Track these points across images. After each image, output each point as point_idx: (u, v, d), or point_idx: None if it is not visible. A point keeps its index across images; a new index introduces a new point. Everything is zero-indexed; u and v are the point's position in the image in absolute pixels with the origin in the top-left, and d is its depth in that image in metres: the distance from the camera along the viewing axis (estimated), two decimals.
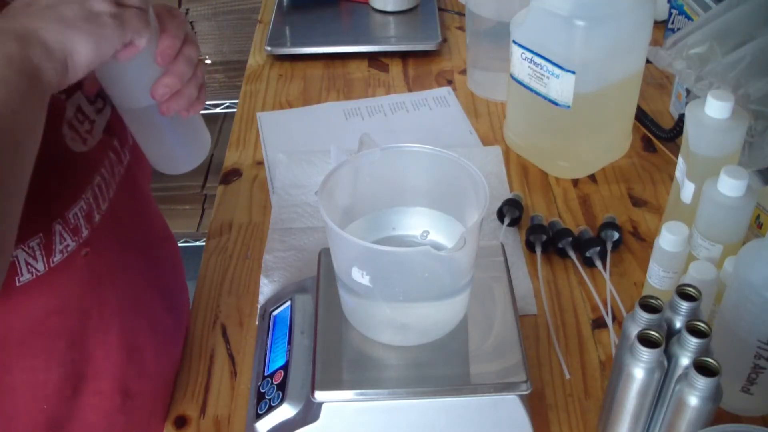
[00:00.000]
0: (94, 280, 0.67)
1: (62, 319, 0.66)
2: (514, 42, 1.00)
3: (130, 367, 0.73)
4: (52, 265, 0.61)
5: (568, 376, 0.79)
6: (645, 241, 0.94)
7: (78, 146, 0.65)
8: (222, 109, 2.09)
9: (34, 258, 0.60)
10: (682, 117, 1.01)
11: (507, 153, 1.09)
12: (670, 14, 1.19)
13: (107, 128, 0.70)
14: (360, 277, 0.64)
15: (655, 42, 1.10)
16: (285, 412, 0.69)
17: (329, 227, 0.62)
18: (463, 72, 1.27)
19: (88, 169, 0.66)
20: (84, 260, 0.65)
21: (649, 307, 0.63)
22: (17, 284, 0.59)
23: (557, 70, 0.95)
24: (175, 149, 0.71)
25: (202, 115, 0.70)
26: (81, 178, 0.65)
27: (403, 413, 0.67)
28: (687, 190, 0.84)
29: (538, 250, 0.92)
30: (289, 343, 0.74)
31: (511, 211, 0.96)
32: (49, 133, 0.55)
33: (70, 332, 0.67)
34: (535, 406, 0.75)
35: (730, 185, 0.73)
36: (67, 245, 0.62)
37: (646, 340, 0.61)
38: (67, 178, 0.64)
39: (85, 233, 0.64)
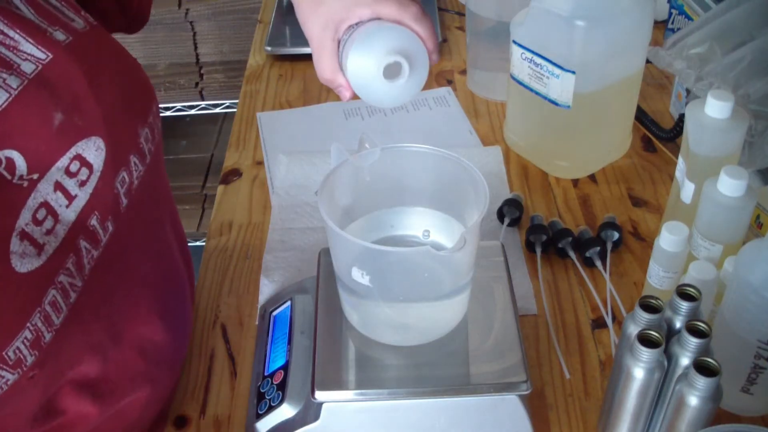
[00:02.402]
0: (54, 374, 0.59)
1: (15, 412, 0.58)
2: (514, 42, 1.00)
3: (103, 411, 0.67)
4: None
5: (568, 376, 0.79)
6: (645, 241, 0.94)
7: (28, 263, 0.53)
8: (222, 109, 2.09)
9: None
10: (682, 117, 1.01)
11: (507, 153, 1.09)
12: (670, 14, 1.19)
13: (88, 203, 0.59)
14: (360, 277, 0.64)
15: (655, 42, 1.10)
16: (285, 412, 0.69)
17: (329, 227, 0.62)
18: (463, 72, 1.27)
19: (37, 289, 0.54)
20: (32, 377, 0.56)
21: (649, 307, 0.63)
22: None
23: (557, 70, 0.95)
24: None
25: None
26: (26, 305, 0.53)
27: (403, 413, 0.67)
28: (687, 190, 0.84)
29: (538, 250, 0.92)
30: (289, 343, 0.74)
31: (511, 211, 0.96)
32: None
33: (34, 406, 0.60)
34: (535, 406, 0.75)
35: (730, 185, 0.73)
36: (7, 380, 0.53)
37: (646, 340, 0.61)
38: (5, 312, 0.52)
39: (30, 360, 0.54)
